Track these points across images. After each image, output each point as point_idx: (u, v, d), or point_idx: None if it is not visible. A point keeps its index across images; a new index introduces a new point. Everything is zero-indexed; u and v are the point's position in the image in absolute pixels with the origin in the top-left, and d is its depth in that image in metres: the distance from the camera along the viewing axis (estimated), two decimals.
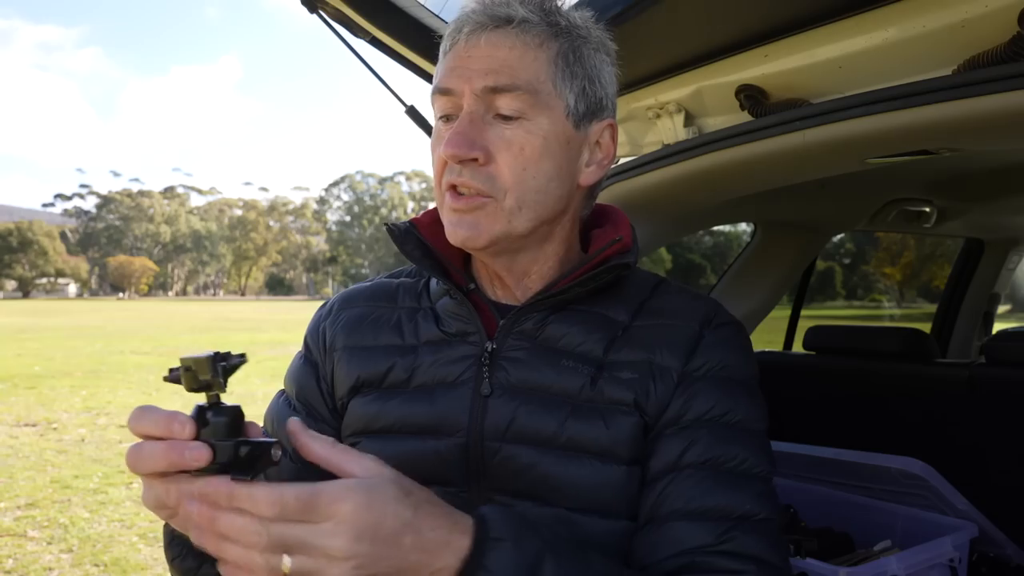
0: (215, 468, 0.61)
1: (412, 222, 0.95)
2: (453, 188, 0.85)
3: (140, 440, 0.63)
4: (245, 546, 0.59)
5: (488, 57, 0.83)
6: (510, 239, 0.86)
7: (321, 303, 1.06)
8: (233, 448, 0.62)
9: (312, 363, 0.98)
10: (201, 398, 0.65)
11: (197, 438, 0.62)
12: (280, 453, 0.64)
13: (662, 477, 0.83)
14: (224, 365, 0.62)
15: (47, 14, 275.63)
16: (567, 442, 0.84)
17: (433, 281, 0.97)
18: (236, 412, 0.64)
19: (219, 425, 0.63)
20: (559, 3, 0.88)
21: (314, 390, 0.96)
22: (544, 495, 0.84)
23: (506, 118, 0.83)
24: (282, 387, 1.04)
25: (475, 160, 0.83)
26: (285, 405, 0.98)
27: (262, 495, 0.59)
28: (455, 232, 0.85)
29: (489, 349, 0.88)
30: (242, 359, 0.64)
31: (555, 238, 0.91)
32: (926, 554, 1.42)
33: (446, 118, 0.87)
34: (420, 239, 0.93)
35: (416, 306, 0.96)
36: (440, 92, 0.86)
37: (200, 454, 0.60)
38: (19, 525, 4.23)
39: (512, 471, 0.84)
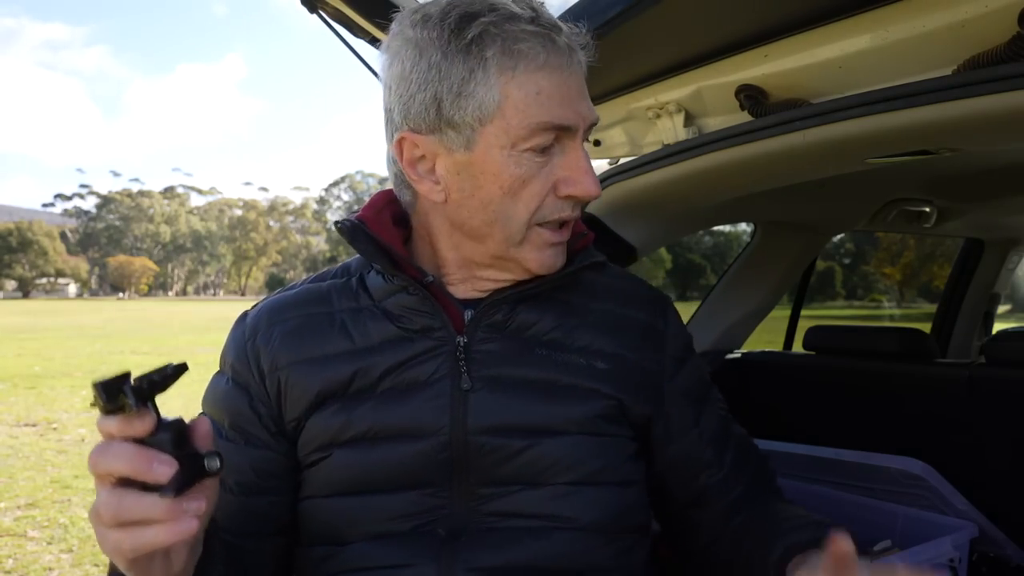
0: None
1: (360, 219, 0.91)
2: (560, 223, 0.86)
3: (104, 441, 0.62)
4: None
5: (583, 88, 0.84)
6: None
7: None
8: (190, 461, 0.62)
9: (242, 386, 0.90)
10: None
11: (153, 437, 0.62)
12: (217, 465, 0.64)
13: (684, 436, 0.96)
14: (131, 386, 0.60)
15: (54, 12, 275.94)
16: (551, 426, 0.86)
17: (371, 277, 0.92)
18: (180, 422, 0.64)
19: (168, 435, 0.62)
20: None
21: (249, 416, 0.88)
22: (534, 478, 0.85)
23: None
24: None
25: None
26: (216, 435, 0.87)
27: None
28: (553, 263, 0.87)
29: (462, 343, 0.87)
30: (155, 379, 0.61)
31: None
32: (926, 554, 1.42)
33: (543, 148, 0.82)
34: (370, 236, 0.89)
35: (356, 306, 0.91)
36: (556, 128, 0.80)
37: (167, 467, 0.60)
38: (19, 525, 4.22)
39: (499, 461, 0.85)
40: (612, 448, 0.89)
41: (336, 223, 0.91)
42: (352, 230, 0.89)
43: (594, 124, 0.85)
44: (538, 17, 0.80)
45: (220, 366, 0.94)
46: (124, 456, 0.60)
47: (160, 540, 0.60)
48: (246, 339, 0.91)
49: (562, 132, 0.82)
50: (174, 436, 0.62)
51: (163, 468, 0.60)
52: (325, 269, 0.99)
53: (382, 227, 0.91)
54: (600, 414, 0.88)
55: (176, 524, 0.60)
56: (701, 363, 1.03)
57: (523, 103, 0.79)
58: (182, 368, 0.64)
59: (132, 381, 0.61)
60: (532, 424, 0.85)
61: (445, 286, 0.91)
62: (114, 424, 0.61)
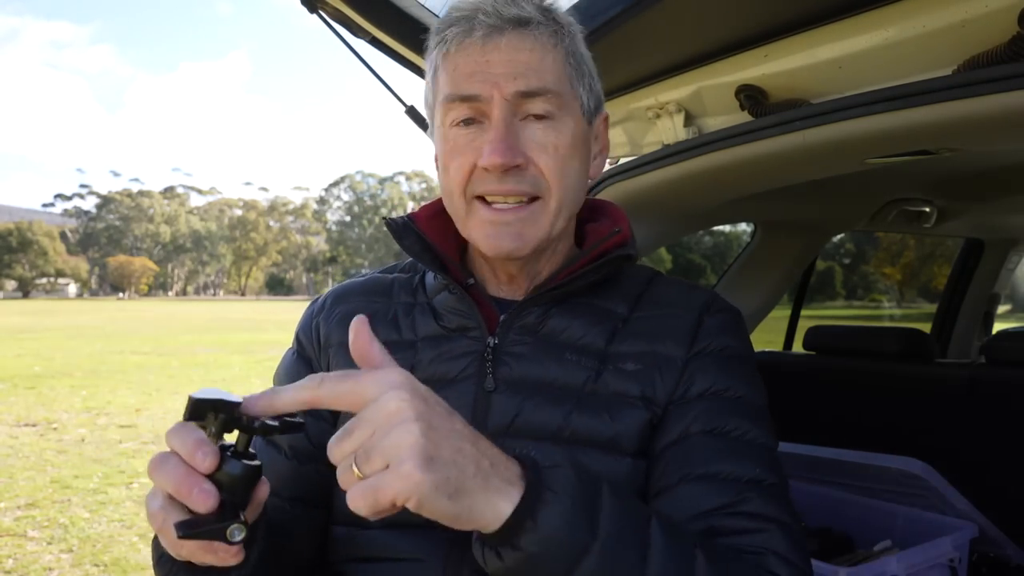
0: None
1: (410, 216, 0.95)
2: (482, 199, 0.84)
3: (169, 451, 0.64)
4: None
5: (511, 61, 0.82)
6: (548, 241, 0.87)
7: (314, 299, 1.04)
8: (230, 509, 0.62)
9: (305, 359, 0.97)
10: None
11: (215, 473, 0.62)
12: (237, 538, 0.62)
13: (669, 449, 0.83)
14: (223, 418, 0.61)
15: (59, 11, 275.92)
16: (572, 435, 0.84)
17: (429, 276, 0.97)
18: (253, 472, 0.64)
19: (234, 477, 0.62)
20: (549, 2, 0.88)
21: None
22: None
23: (537, 118, 0.84)
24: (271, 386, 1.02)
25: (518, 165, 0.82)
26: None
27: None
28: (497, 244, 0.84)
29: (491, 344, 0.88)
30: (255, 425, 0.62)
31: (567, 234, 0.93)
32: (926, 554, 1.42)
33: (465, 123, 0.85)
34: (419, 234, 0.92)
35: (412, 301, 0.95)
36: (461, 99, 0.83)
37: (206, 500, 0.61)
38: (19, 525, 4.22)
39: None
40: (634, 469, 0.84)
41: (385, 219, 0.95)
42: (401, 228, 0.93)
43: (525, 94, 0.82)
44: (466, 4, 0.84)
45: (292, 341, 1.01)
46: (172, 477, 0.61)
47: (183, 556, 0.65)
48: (313, 316, 0.98)
49: (478, 103, 0.83)
50: (239, 480, 0.62)
51: (201, 499, 0.61)
52: (396, 262, 1.05)
53: (435, 227, 0.93)
54: (629, 428, 0.83)
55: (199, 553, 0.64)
56: (737, 383, 0.87)
57: (444, 83, 0.85)
58: (296, 426, 0.65)
59: (233, 414, 0.61)
60: (549, 430, 0.84)
61: (486, 287, 0.94)
62: (179, 443, 0.62)
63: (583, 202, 0.93)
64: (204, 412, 0.61)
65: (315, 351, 0.96)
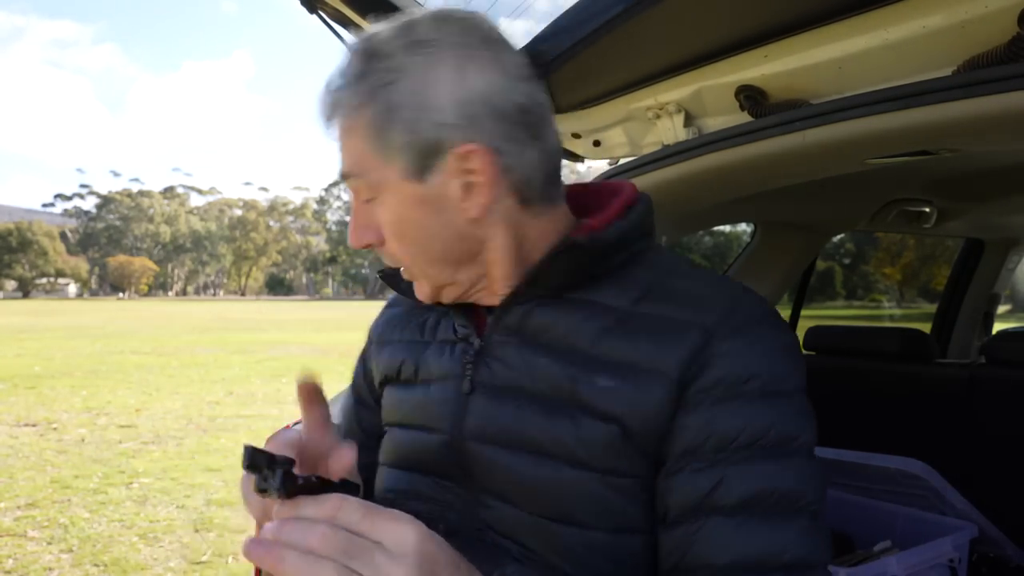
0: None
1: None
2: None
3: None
4: (316, 555, 0.57)
5: (341, 145, 0.82)
6: (445, 287, 0.86)
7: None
8: None
9: (364, 356, 1.05)
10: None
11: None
12: None
13: (686, 520, 0.72)
14: (283, 473, 0.59)
15: (63, 10, 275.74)
16: (538, 446, 0.78)
17: None
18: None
19: None
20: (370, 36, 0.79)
21: (361, 381, 1.05)
22: (519, 500, 0.80)
23: (369, 200, 0.82)
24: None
25: (370, 245, 0.85)
26: (349, 393, 1.08)
27: (326, 498, 0.60)
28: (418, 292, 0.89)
29: (476, 346, 0.86)
30: (300, 483, 0.60)
31: (490, 255, 0.83)
32: (926, 554, 1.42)
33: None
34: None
35: (445, 310, 0.95)
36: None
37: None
38: (19, 525, 4.22)
39: (491, 472, 0.82)
40: (604, 485, 0.75)
41: (379, 271, 0.99)
42: (394, 273, 0.95)
43: (346, 177, 0.82)
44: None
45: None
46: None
47: None
48: (379, 318, 1.05)
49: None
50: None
51: None
52: None
53: None
54: (597, 442, 0.75)
55: None
56: (764, 415, 0.72)
57: None
58: (352, 487, 0.66)
59: (287, 470, 0.60)
60: (516, 438, 0.80)
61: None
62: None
63: (484, 237, 0.81)
64: (259, 467, 0.60)
65: (369, 347, 1.04)
